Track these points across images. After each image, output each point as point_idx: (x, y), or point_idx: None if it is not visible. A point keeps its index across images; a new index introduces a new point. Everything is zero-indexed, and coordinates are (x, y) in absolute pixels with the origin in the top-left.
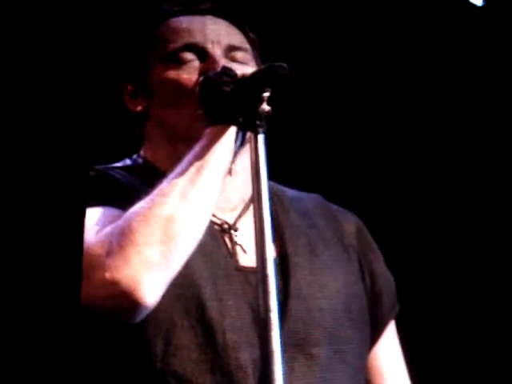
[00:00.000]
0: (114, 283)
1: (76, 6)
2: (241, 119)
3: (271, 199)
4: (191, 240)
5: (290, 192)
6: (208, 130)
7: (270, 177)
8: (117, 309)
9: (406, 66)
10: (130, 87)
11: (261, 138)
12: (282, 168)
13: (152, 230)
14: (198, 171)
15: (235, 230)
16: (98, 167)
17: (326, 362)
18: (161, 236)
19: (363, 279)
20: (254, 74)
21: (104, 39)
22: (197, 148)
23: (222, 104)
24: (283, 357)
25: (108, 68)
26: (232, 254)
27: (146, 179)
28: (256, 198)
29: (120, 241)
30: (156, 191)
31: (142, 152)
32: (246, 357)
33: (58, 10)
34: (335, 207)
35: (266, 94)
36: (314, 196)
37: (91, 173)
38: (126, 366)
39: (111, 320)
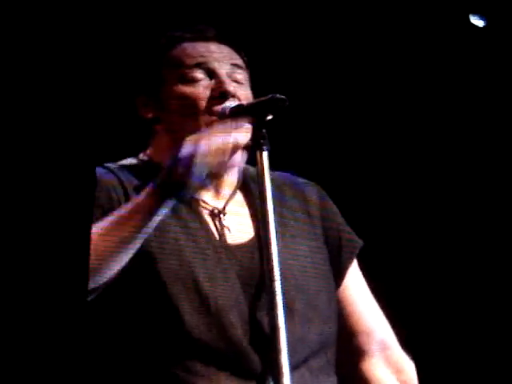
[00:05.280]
0: None
1: (100, 32)
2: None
3: (245, 180)
4: (110, 269)
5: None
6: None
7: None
8: None
9: (409, 86)
10: (143, 98)
11: (265, 154)
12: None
13: None
14: (123, 222)
15: (224, 214)
16: (107, 164)
17: (302, 312)
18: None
19: (327, 241)
20: (258, 103)
21: (123, 57)
22: (138, 198)
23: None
24: (265, 315)
25: (123, 81)
26: (221, 235)
27: (150, 175)
28: (261, 202)
29: None
30: (97, 222)
31: (148, 152)
32: (236, 316)
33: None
34: (301, 180)
35: (268, 118)
36: (284, 174)
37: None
38: (136, 333)
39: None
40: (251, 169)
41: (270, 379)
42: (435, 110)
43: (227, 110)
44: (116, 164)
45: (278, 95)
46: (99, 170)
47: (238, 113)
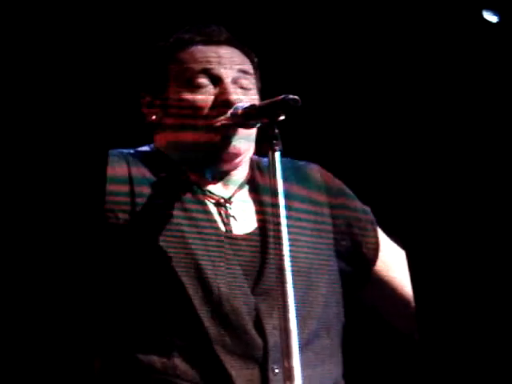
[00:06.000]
0: None
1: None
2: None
3: (256, 174)
4: None
5: (266, 160)
6: None
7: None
8: None
9: (419, 81)
10: (148, 98)
11: (277, 154)
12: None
13: None
14: None
15: (230, 204)
16: (121, 150)
17: (302, 296)
18: None
19: (339, 221)
20: (271, 103)
21: (133, 56)
22: None
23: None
24: (266, 302)
25: (132, 80)
26: (226, 224)
27: (158, 165)
28: (273, 205)
29: None
30: None
31: (156, 145)
32: (239, 303)
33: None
34: (301, 163)
35: (281, 119)
36: (284, 159)
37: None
38: (140, 317)
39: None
40: (263, 160)
41: (273, 364)
42: (443, 109)
43: (239, 111)
44: (131, 150)
45: (290, 95)
46: (113, 156)
47: (251, 113)
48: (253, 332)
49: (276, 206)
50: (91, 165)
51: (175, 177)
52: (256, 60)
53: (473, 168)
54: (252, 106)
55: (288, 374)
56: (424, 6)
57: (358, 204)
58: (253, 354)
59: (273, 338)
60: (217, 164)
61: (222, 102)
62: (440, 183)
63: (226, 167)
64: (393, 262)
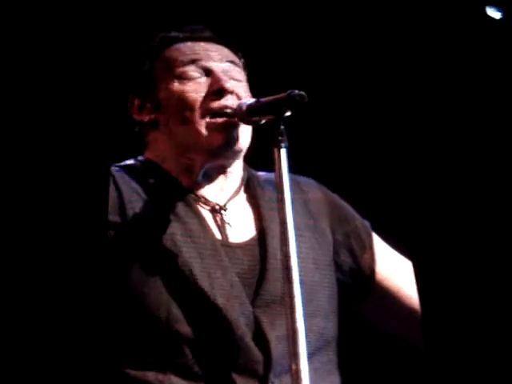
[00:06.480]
0: None
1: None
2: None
3: (249, 180)
4: None
5: (264, 174)
6: None
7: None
8: None
9: (422, 77)
10: (137, 101)
11: (283, 151)
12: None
13: None
14: None
15: (225, 210)
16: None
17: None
18: None
19: (334, 236)
20: (276, 99)
21: (117, 59)
22: None
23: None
24: (267, 313)
25: (118, 84)
26: (222, 232)
27: (148, 176)
28: (279, 202)
29: None
30: None
31: (146, 154)
32: (237, 314)
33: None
34: (301, 178)
35: (287, 115)
36: None
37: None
38: (135, 331)
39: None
40: (261, 174)
41: (274, 378)
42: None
43: (244, 107)
44: (117, 165)
45: (296, 91)
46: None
47: (255, 109)
48: (251, 344)
49: (282, 205)
50: (90, 174)
51: (165, 183)
52: (243, 60)
53: (479, 176)
54: (257, 102)
55: (296, 377)
56: (426, 3)
57: (357, 217)
58: (252, 367)
59: (276, 350)
60: (217, 162)
61: (216, 91)
62: (446, 192)
63: (226, 164)
64: (395, 272)
